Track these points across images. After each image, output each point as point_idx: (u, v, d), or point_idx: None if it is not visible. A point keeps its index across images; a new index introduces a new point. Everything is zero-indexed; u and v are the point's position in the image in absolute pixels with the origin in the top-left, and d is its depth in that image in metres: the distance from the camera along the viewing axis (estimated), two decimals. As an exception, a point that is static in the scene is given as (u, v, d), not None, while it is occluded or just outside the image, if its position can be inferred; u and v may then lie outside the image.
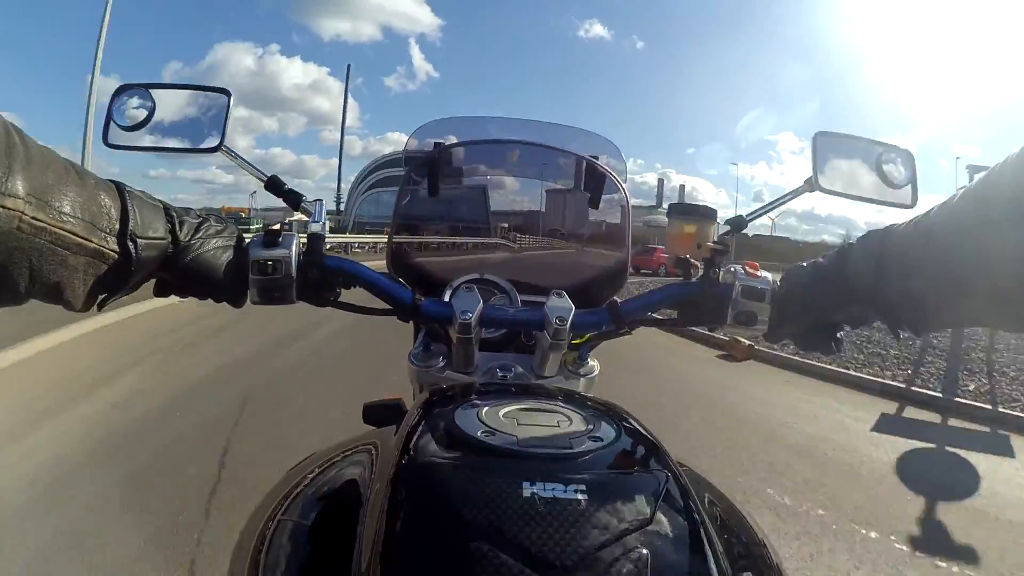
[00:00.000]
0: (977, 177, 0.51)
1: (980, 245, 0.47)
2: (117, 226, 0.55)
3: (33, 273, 0.49)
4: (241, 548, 0.57)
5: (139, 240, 0.56)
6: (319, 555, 0.53)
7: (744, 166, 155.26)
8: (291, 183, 0.71)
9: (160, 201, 0.61)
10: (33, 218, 0.47)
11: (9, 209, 0.45)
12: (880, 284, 0.59)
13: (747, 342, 6.03)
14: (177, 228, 0.61)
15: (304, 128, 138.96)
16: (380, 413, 0.87)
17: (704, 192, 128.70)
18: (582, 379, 0.75)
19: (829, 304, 0.65)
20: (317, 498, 0.59)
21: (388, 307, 0.70)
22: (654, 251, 27.32)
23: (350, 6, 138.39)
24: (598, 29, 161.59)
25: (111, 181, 0.57)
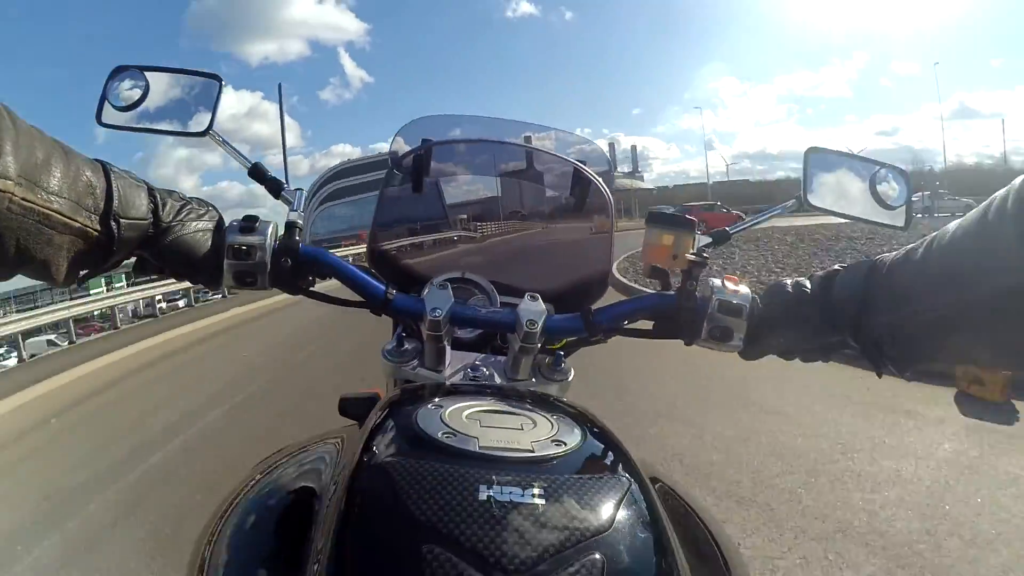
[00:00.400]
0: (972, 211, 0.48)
1: (977, 278, 0.45)
2: (102, 205, 0.56)
3: (20, 251, 0.50)
4: (200, 541, 0.58)
5: (122, 220, 0.58)
6: (272, 551, 0.54)
7: (690, 116, 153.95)
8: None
9: (144, 181, 0.62)
10: (22, 199, 0.48)
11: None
12: (864, 315, 0.56)
13: (1003, 374, 3.19)
14: (160, 209, 0.62)
15: (247, 153, 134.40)
16: (355, 406, 0.88)
17: (655, 150, 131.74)
18: (556, 384, 0.73)
19: (807, 330, 0.62)
20: (276, 494, 0.60)
21: (361, 300, 0.71)
22: (690, 210, 26.66)
23: (273, 26, 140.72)
24: (525, 7, 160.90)
25: (96, 160, 0.58)
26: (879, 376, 0.58)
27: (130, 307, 13.34)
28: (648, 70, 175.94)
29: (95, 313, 12.32)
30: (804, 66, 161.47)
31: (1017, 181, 0.43)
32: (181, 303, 15.22)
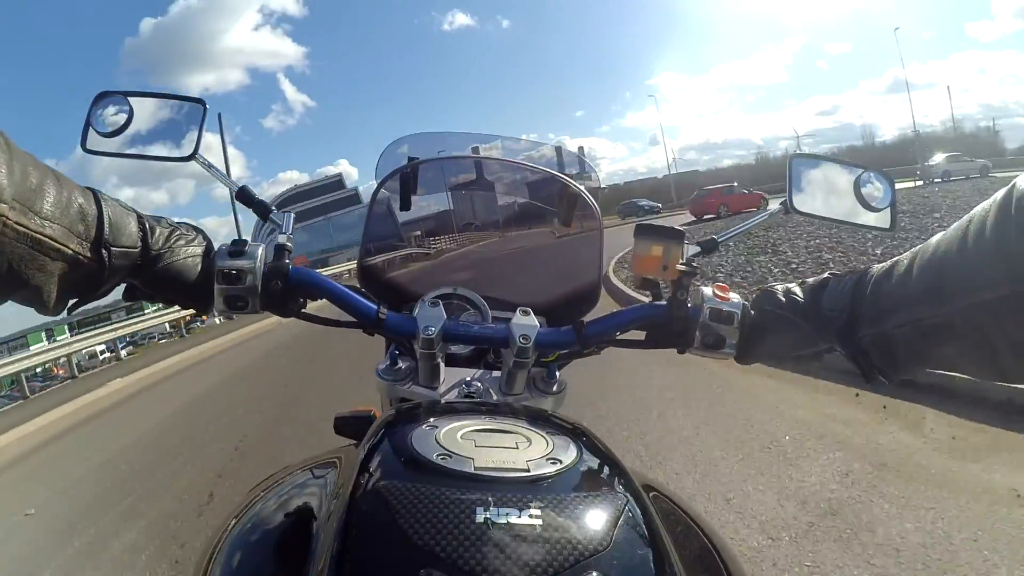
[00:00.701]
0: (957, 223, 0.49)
1: (959, 290, 0.46)
2: (93, 233, 0.56)
3: (11, 276, 0.50)
4: (199, 565, 0.56)
5: (112, 248, 0.58)
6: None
7: (633, 114, 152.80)
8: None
9: (133, 209, 0.62)
10: (16, 223, 0.48)
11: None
12: (852, 325, 0.57)
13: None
14: (149, 236, 0.62)
15: (194, 192, 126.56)
16: (351, 425, 0.86)
17: (601, 149, 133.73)
18: (550, 398, 0.74)
19: (797, 338, 0.64)
20: (274, 518, 0.59)
21: (353, 320, 0.70)
22: (710, 193, 25.88)
23: (210, 57, 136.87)
24: (461, 18, 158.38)
25: (87, 187, 0.58)
26: (869, 383, 0.60)
27: (75, 359, 12.60)
28: (588, 72, 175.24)
29: (38, 370, 11.54)
30: (740, 55, 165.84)
31: (999, 194, 0.44)
32: (124, 352, 14.43)
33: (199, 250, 0.67)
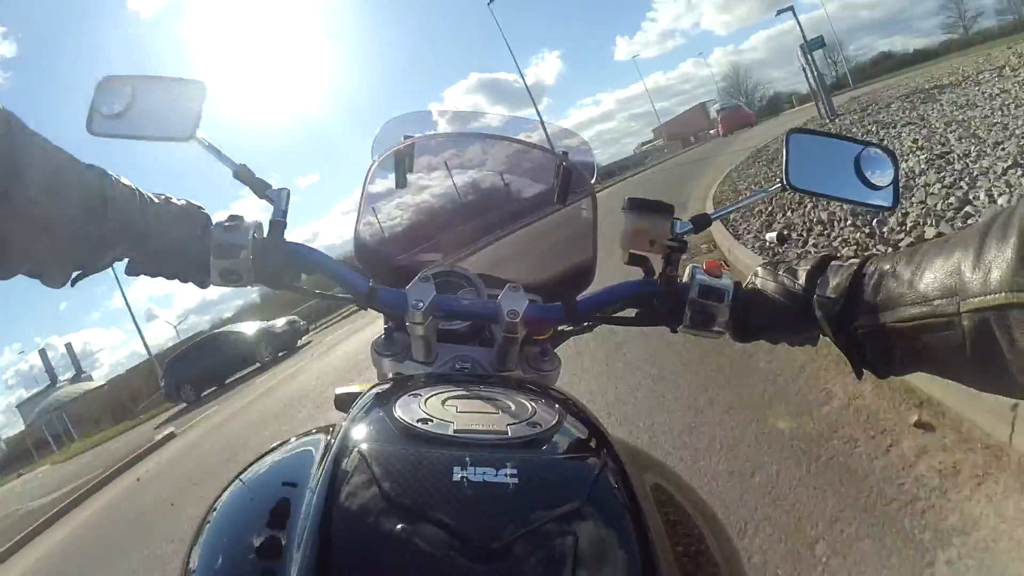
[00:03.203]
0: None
1: (973, 290, 0.43)
2: (97, 208, 0.59)
3: (23, 251, 0.54)
4: (199, 524, 0.59)
5: (115, 223, 0.61)
6: (261, 539, 0.53)
7: None
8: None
9: (134, 186, 0.65)
10: (30, 200, 0.52)
11: (13, 193, 0.51)
12: (846, 315, 0.54)
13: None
14: (148, 212, 0.65)
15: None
16: (350, 400, 0.89)
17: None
18: (543, 375, 0.74)
19: (790, 321, 0.61)
20: (265, 485, 0.61)
21: (346, 294, 0.72)
22: (733, 112, 30.72)
23: None
24: None
25: (91, 165, 0.61)
26: (859, 377, 0.57)
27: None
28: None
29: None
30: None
31: (1020, 205, 0.41)
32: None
33: (197, 225, 0.69)
